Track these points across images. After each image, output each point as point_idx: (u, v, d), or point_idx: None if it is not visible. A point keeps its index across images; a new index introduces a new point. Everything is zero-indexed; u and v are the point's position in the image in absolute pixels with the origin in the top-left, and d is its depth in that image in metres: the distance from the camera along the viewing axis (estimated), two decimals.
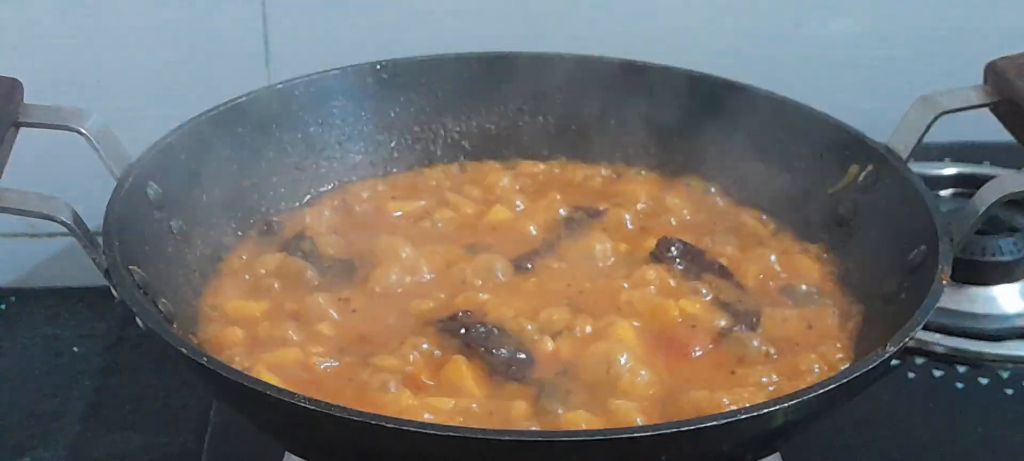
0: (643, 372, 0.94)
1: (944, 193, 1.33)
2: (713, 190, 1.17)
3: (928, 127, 1.03)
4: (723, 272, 1.05)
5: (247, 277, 1.05)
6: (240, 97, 1.11)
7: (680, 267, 1.05)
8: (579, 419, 0.89)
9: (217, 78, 1.26)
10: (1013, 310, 1.19)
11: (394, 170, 1.20)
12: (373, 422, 0.78)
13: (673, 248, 1.06)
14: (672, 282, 1.04)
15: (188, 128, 1.06)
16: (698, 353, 0.98)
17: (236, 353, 0.96)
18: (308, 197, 1.16)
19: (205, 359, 0.83)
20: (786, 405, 0.80)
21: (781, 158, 1.13)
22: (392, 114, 1.20)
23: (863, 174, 1.07)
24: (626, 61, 1.20)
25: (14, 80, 0.98)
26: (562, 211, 1.14)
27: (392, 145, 1.20)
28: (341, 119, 1.18)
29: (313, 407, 0.79)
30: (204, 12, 1.28)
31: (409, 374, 0.93)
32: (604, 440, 0.78)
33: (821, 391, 0.82)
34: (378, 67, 1.18)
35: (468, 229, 1.12)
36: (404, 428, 0.78)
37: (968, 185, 1.32)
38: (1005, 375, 1.14)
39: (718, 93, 1.16)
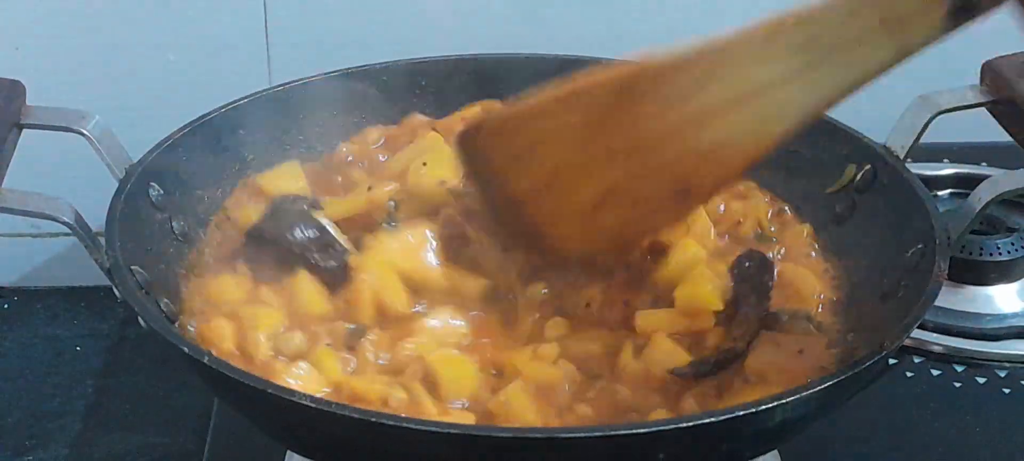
0: None
1: (942, 193, 1.33)
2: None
3: (925, 126, 1.04)
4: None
5: (250, 277, 1.05)
6: (242, 98, 1.11)
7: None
8: None
9: (218, 79, 1.27)
10: (1010, 310, 1.19)
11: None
12: (373, 420, 0.78)
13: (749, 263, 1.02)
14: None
15: (190, 129, 1.06)
16: None
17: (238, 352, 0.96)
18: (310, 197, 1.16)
19: (207, 358, 0.84)
20: (784, 402, 0.80)
21: (778, 158, 1.12)
22: (394, 115, 1.20)
23: (860, 174, 1.07)
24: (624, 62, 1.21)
25: (16, 82, 0.98)
26: None
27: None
28: (343, 121, 1.18)
29: (313, 405, 0.79)
30: (205, 14, 1.28)
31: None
32: (603, 437, 0.79)
33: (819, 388, 0.82)
34: (380, 69, 1.18)
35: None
36: (404, 425, 0.78)
37: (966, 185, 1.32)
38: (1003, 374, 1.14)
39: None
